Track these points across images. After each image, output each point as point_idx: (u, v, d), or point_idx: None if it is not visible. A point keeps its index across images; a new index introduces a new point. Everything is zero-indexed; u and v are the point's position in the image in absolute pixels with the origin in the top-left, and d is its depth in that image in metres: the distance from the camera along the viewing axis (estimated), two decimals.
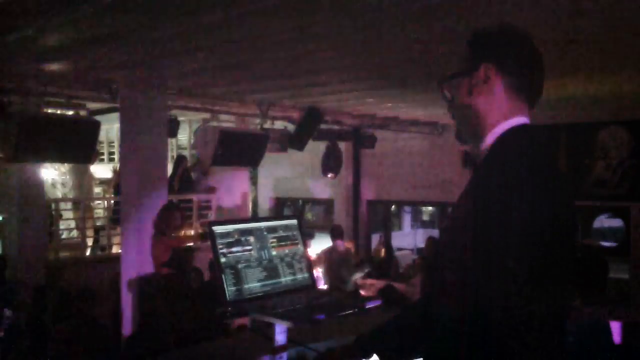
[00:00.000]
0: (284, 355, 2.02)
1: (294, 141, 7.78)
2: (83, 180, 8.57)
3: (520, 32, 1.45)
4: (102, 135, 10.30)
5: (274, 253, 2.17)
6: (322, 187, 11.61)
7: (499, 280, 1.21)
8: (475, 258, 1.26)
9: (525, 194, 1.22)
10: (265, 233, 2.18)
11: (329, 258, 7.76)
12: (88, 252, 8.44)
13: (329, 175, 9.42)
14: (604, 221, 10.67)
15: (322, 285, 7.42)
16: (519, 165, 1.29)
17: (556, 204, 1.28)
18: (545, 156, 1.37)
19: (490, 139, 1.40)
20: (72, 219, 8.61)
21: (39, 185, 7.69)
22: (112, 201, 8.53)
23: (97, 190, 9.19)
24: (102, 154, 11.38)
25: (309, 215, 16.60)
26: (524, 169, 1.27)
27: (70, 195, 9.42)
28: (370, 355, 1.68)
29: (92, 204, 8.76)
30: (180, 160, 9.37)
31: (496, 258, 1.22)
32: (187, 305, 5.68)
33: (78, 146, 5.50)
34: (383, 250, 10.14)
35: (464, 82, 1.43)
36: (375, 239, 11.72)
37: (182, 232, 7.39)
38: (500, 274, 1.21)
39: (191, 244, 7.30)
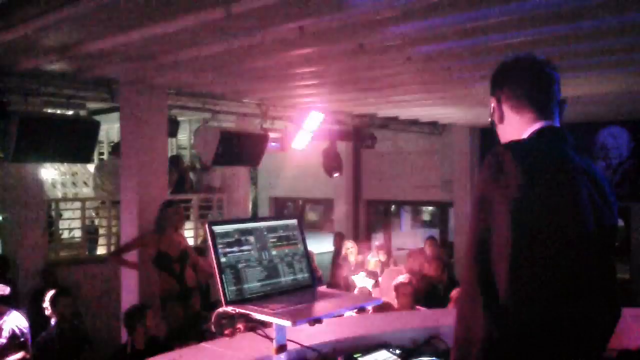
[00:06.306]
0: (284, 355, 2.02)
1: (294, 141, 7.79)
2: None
3: (521, 60, 1.77)
4: (102, 135, 10.26)
5: (274, 253, 2.17)
6: (322, 187, 11.60)
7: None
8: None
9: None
10: (265, 233, 2.18)
11: None
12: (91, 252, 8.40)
13: (335, 175, 9.41)
14: None
15: None
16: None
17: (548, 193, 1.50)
18: (540, 156, 1.59)
19: None
20: (74, 218, 8.57)
21: (39, 185, 7.68)
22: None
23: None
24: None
25: (312, 216, 16.46)
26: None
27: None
28: None
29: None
30: (174, 160, 9.22)
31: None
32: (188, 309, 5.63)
33: (78, 146, 5.50)
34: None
35: (496, 111, 1.81)
36: (375, 239, 11.70)
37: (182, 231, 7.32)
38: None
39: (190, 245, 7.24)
